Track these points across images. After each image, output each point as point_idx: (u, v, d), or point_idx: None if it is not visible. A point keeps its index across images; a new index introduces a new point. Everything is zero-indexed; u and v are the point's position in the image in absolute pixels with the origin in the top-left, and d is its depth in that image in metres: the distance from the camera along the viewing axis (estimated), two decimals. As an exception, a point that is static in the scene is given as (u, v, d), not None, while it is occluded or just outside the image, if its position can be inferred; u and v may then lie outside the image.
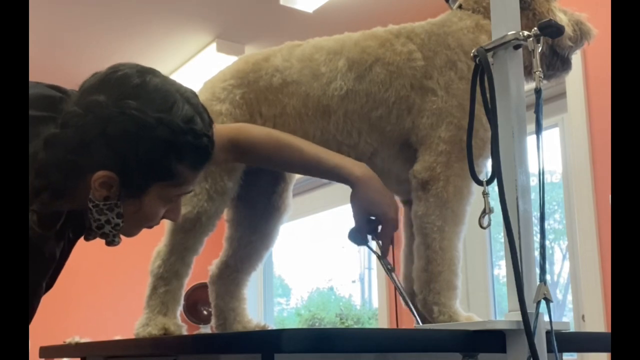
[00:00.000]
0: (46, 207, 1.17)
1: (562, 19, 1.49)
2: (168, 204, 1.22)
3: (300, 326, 5.11)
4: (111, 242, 1.23)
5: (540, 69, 1.18)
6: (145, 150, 1.13)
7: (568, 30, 1.50)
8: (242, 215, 1.66)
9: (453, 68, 1.44)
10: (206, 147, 1.20)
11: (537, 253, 1.15)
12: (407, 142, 1.48)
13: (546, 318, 1.10)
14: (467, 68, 1.42)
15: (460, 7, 1.54)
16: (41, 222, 1.19)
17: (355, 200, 1.39)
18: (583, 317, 2.87)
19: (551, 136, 3.17)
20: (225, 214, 1.66)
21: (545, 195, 1.13)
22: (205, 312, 4.63)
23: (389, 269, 1.43)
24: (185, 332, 1.47)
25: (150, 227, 1.25)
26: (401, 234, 1.56)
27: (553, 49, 1.51)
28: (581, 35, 1.53)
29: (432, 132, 1.43)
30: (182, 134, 1.15)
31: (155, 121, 1.13)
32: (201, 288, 4.04)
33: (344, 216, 4.78)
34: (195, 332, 1.91)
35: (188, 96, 1.19)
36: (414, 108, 1.45)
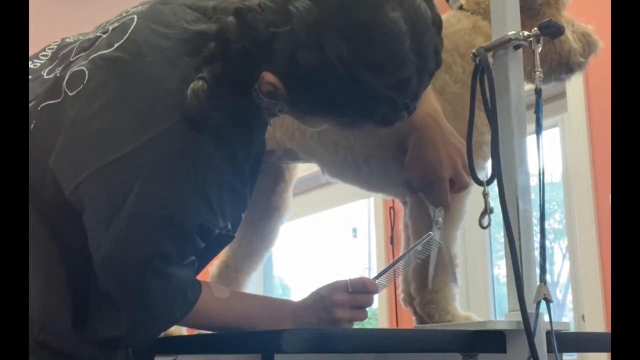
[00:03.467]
0: (213, 80, 1.05)
1: (567, 33, 1.49)
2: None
3: (300, 326, 5.10)
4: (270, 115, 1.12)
5: (540, 69, 1.18)
6: (326, 95, 1.01)
7: (576, 46, 1.50)
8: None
9: (448, 71, 1.43)
10: (396, 118, 1.05)
11: (537, 253, 1.15)
12: (403, 145, 1.48)
13: (546, 318, 1.10)
14: (462, 71, 1.41)
15: (461, 7, 1.54)
16: (208, 93, 1.04)
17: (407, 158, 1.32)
18: (583, 317, 2.87)
19: (551, 136, 3.16)
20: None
21: (545, 195, 1.13)
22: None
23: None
24: (185, 332, 1.47)
25: None
26: (401, 234, 1.56)
27: (568, 66, 1.50)
28: (589, 49, 1.53)
29: None
30: (378, 103, 1.01)
31: (353, 78, 0.98)
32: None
33: (343, 216, 4.78)
34: (195, 332, 1.91)
35: (423, 43, 1.00)
36: (409, 111, 1.45)
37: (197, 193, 1.05)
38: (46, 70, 1.19)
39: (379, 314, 3.86)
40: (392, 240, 3.82)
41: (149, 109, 1.05)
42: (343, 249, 4.96)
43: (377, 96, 1.00)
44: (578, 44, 1.51)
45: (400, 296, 1.51)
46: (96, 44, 1.15)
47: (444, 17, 1.53)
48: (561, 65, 1.50)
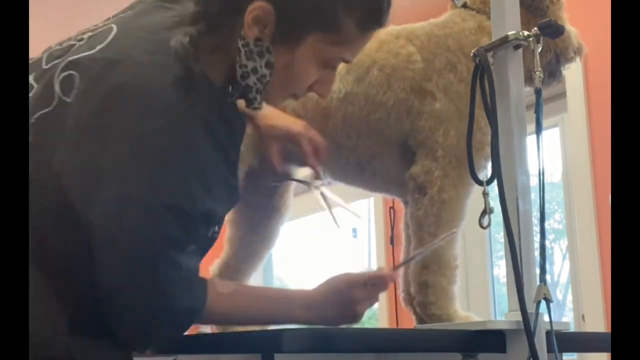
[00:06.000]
0: (200, 38, 1.08)
1: (570, 29, 1.50)
2: (321, 68, 1.13)
3: (300, 326, 5.10)
4: (253, 100, 1.11)
5: (540, 69, 1.18)
6: None
7: (574, 41, 1.51)
8: (243, 216, 1.66)
9: (452, 70, 1.43)
10: (381, 7, 1.10)
11: (537, 253, 1.15)
12: (405, 145, 1.48)
13: (546, 318, 1.10)
14: (466, 70, 1.41)
15: (464, 5, 1.53)
16: (194, 43, 1.08)
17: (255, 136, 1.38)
18: (583, 317, 2.87)
19: (551, 136, 3.16)
20: (226, 215, 1.65)
21: (545, 195, 1.13)
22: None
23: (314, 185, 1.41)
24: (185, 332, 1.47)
25: (295, 97, 1.18)
26: (401, 234, 1.56)
27: (558, 58, 1.51)
28: (580, 49, 1.54)
29: (431, 135, 1.43)
30: None
31: None
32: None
33: (344, 216, 4.77)
34: (195, 332, 1.91)
35: None
36: (412, 110, 1.45)
37: (199, 181, 1.07)
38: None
39: (379, 314, 3.86)
40: (392, 240, 3.81)
41: (145, 105, 1.06)
42: (343, 249, 4.97)
43: None
44: (575, 39, 1.52)
45: (401, 296, 1.51)
46: (71, 50, 1.15)
47: (447, 15, 1.54)
48: (557, 61, 1.51)
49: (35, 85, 1.15)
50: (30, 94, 1.14)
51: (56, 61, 1.15)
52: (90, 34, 1.18)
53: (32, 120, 1.11)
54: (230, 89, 1.14)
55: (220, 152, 1.11)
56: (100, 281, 1.06)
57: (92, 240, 1.06)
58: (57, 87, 1.11)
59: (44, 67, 1.17)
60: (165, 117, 1.05)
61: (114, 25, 1.17)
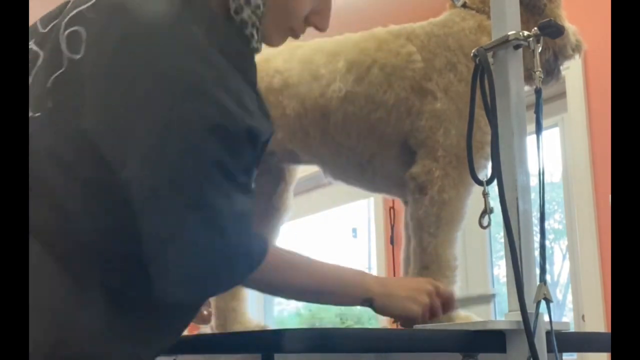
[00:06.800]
0: None
1: (568, 27, 1.50)
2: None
3: (300, 326, 5.10)
4: (250, 38, 1.08)
5: (540, 69, 1.18)
6: None
7: (572, 39, 1.51)
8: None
9: (453, 70, 1.44)
10: None
11: (537, 253, 1.15)
12: (406, 144, 1.48)
13: (546, 318, 1.10)
14: (466, 70, 1.41)
15: (464, 5, 1.53)
16: None
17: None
18: (583, 317, 2.88)
19: (551, 136, 3.17)
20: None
21: (545, 195, 1.13)
22: (205, 312, 4.63)
23: None
24: (185, 332, 1.47)
25: (294, 32, 1.14)
26: (401, 234, 1.56)
27: (556, 56, 1.51)
28: (579, 46, 1.54)
29: (431, 135, 1.43)
30: None
31: None
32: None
33: (343, 216, 4.78)
34: (195, 332, 1.91)
35: None
36: (413, 110, 1.45)
37: (233, 99, 1.01)
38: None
39: (379, 314, 3.86)
40: (392, 240, 3.82)
41: (161, 41, 1.01)
42: (343, 249, 4.97)
43: None
44: (574, 37, 1.52)
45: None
46: (66, 8, 1.10)
47: (446, 15, 1.54)
48: (555, 59, 1.51)
49: (40, 51, 1.10)
50: (39, 61, 1.09)
51: (54, 22, 1.10)
52: None
53: (48, 85, 1.06)
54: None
55: (242, 74, 1.06)
56: (146, 236, 0.97)
57: (133, 199, 0.97)
58: (64, 47, 1.06)
59: (42, 30, 1.12)
60: (183, 46, 1.01)
61: None
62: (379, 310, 1.29)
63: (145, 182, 0.97)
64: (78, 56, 1.05)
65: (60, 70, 1.06)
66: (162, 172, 0.97)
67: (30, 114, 1.04)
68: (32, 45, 1.12)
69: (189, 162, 0.97)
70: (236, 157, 1.01)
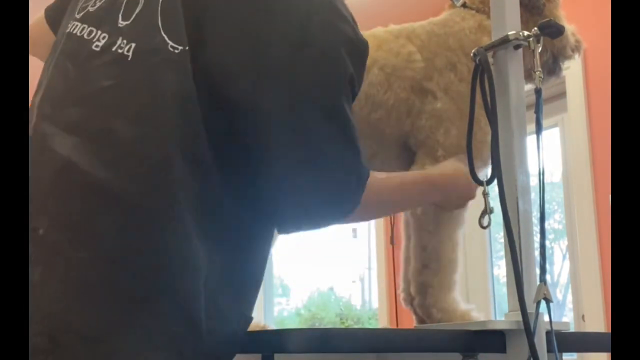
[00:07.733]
0: None
1: (567, 27, 1.50)
2: None
3: (300, 326, 5.11)
4: None
5: (540, 69, 1.18)
6: None
7: (572, 39, 1.51)
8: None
9: (453, 70, 1.44)
10: None
11: (537, 253, 1.15)
12: (406, 144, 1.48)
13: (546, 318, 1.10)
14: (467, 70, 1.41)
15: (464, 5, 1.53)
16: None
17: None
18: (583, 317, 2.88)
19: (551, 136, 3.17)
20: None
21: (545, 195, 1.13)
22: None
23: None
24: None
25: None
26: (401, 234, 1.56)
27: (555, 57, 1.52)
28: (578, 46, 1.54)
29: (432, 134, 1.43)
30: None
31: None
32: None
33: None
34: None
35: None
36: (413, 110, 1.45)
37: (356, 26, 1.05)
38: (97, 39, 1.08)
39: (379, 314, 3.86)
40: (392, 240, 3.82)
41: None
42: (343, 249, 4.97)
43: None
44: (573, 37, 1.52)
45: (400, 296, 1.51)
46: None
47: (446, 14, 1.54)
48: (554, 60, 1.52)
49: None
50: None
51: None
52: None
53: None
54: None
55: None
56: (274, 162, 0.99)
57: (263, 134, 0.98)
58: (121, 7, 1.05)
59: (90, 9, 1.09)
60: None
61: None
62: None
63: (282, 95, 0.97)
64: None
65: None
66: (298, 85, 0.98)
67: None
68: (80, 31, 1.09)
69: (327, 71, 0.99)
70: (359, 75, 1.03)
